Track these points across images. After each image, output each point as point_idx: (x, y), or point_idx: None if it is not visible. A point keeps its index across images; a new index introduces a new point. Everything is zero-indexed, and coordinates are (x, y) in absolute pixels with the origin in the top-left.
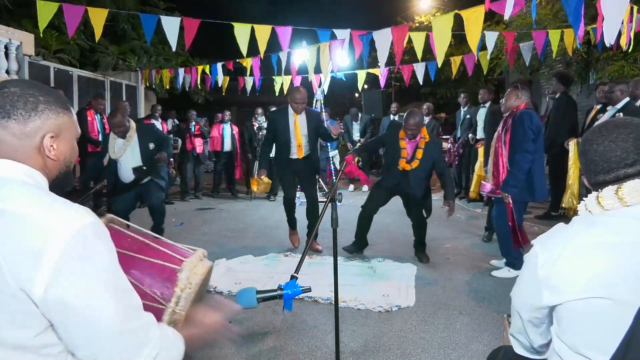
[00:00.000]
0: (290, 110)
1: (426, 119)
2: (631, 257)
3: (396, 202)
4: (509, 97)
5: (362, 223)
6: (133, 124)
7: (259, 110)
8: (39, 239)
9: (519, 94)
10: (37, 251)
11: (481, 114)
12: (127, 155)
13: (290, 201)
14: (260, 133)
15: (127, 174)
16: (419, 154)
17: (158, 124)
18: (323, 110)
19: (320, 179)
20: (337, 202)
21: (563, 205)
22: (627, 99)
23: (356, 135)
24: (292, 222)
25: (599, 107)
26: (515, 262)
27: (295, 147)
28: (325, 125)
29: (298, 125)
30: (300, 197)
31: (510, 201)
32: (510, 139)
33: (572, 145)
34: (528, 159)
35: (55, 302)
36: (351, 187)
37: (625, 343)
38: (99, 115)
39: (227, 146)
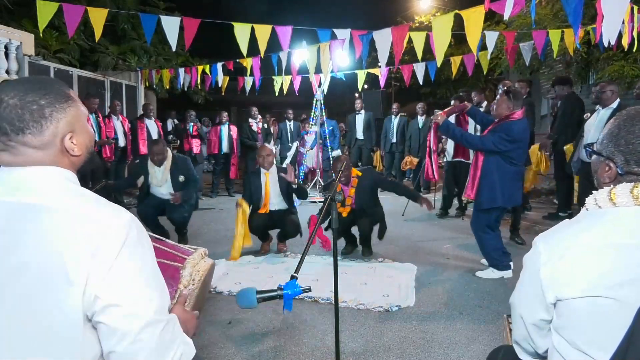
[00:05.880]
0: (262, 170)
1: (421, 119)
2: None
3: (396, 202)
4: (500, 104)
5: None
6: (170, 154)
7: (254, 109)
8: (96, 234)
9: (510, 105)
10: (96, 245)
11: None
12: (167, 185)
13: (259, 228)
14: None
15: (159, 194)
16: (351, 192)
17: (152, 123)
18: (323, 110)
19: (320, 178)
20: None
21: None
22: (618, 100)
23: (359, 133)
24: (263, 238)
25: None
26: (497, 262)
27: (269, 205)
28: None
29: (268, 184)
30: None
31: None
32: (487, 133)
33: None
34: (477, 147)
35: (110, 293)
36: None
37: (625, 343)
38: (93, 115)
39: (225, 148)
